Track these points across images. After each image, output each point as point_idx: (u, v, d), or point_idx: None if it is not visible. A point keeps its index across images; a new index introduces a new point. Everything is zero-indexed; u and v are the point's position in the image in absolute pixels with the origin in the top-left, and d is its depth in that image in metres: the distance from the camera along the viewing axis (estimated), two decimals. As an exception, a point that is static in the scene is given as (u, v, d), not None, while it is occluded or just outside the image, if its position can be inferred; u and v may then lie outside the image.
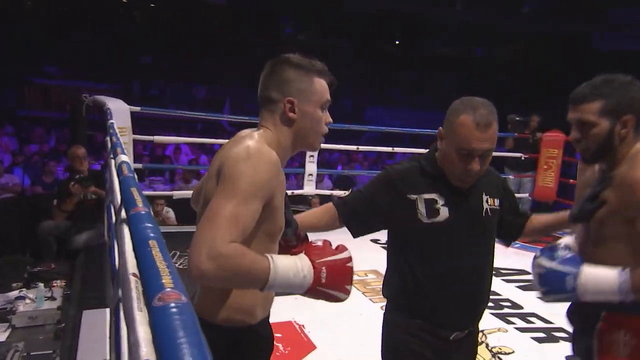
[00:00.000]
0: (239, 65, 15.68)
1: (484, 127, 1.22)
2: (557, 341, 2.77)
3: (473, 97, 1.28)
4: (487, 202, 1.35)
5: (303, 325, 2.68)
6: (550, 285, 1.22)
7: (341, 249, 1.03)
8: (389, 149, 5.99)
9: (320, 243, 1.01)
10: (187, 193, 5.64)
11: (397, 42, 18.79)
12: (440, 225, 1.30)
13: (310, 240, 1.05)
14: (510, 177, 5.79)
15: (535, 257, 1.31)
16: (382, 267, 1.51)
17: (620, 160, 1.26)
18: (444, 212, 1.29)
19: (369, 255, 3.03)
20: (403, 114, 15.25)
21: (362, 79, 16.18)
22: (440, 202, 1.30)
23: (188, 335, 0.39)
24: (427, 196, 1.30)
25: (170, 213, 5.17)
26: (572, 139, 1.31)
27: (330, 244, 1.03)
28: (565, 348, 2.74)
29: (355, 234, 1.42)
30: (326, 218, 1.42)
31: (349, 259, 1.02)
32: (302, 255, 0.99)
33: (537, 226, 1.50)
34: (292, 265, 0.95)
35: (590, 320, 1.31)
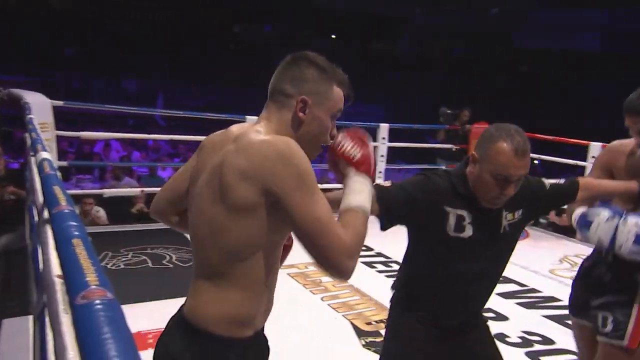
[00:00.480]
0: (173, 58, 15.14)
1: (522, 154, 1.29)
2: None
3: (506, 123, 1.36)
4: (505, 218, 1.42)
5: (244, 321, 2.65)
6: None
7: (364, 138, 1.06)
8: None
9: (358, 152, 1.03)
10: (119, 191, 5.38)
11: (333, 36, 18.95)
12: (462, 240, 1.40)
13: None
14: (442, 167, 6.04)
15: (618, 219, 1.51)
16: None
17: None
18: (469, 230, 1.39)
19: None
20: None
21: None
22: (468, 219, 1.39)
23: (114, 332, 0.37)
24: (459, 212, 1.39)
25: (100, 212, 4.91)
26: (637, 142, 1.58)
27: (358, 140, 1.05)
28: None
29: (385, 228, 1.44)
30: None
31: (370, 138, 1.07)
32: (362, 177, 1.02)
33: (595, 192, 1.61)
34: (369, 197, 1.02)
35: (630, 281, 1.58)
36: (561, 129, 6.04)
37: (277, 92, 1.05)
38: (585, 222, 1.57)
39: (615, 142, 1.77)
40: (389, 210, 1.38)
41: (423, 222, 1.42)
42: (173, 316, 1.10)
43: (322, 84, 1.04)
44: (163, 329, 1.10)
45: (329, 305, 2.96)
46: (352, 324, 2.78)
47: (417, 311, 1.47)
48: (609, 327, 1.57)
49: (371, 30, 17.60)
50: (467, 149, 5.90)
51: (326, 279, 3.30)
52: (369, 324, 2.78)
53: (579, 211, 1.63)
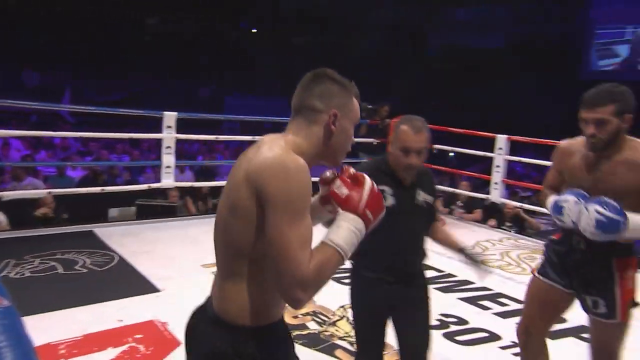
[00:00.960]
0: (83, 49, 14.06)
1: (417, 131, 1.73)
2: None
3: (411, 115, 1.80)
4: (419, 195, 1.84)
5: (166, 323, 2.54)
6: (607, 229, 1.65)
7: (360, 178, 1.11)
8: (250, 138, 5.96)
9: (345, 190, 1.08)
10: (20, 193, 4.92)
11: (253, 31, 18.73)
12: (387, 208, 1.59)
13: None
14: (365, 160, 6.22)
15: (582, 203, 1.70)
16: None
17: (621, 148, 1.71)
18: (390, 200, 1.77)
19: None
20: (262, 102, 15.32)
21: (220, 68, 15.79)
22: (389, 192, 1.78)
23: (11, 339, 0.33)
24: (380, 187, 1.69)
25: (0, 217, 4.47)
26: (588, 134, 1.70)
27: (350, 180, 1.10)
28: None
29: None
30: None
31: (371, 182, 1.11)
32: (346, 214, 1.06)
33: (438, 236, 1.96)
34: (349, 233, 1.05)
35: (605, 263, 1.79)
36: (471, 122, 6.44)
37: (305, 108, 1.13)
38: (558, 208, 1.79)
39: (564, 142, 1.90)
40: None
41: None
42: (196, 314, 1.16)
43: (345, 97, 1.14)
44: (186, 327, 1.15)
45: (255, 301, 2.93)
46: (280, 318, 2.77)
47: (363, 260, 1.82)
48: (602, 310, 1.80)
49: (293, 24, 17.59)
50: (386, 143, 6.12)
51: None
52: (295, 317, 2.80)
53: (551, 199, 1.84)
